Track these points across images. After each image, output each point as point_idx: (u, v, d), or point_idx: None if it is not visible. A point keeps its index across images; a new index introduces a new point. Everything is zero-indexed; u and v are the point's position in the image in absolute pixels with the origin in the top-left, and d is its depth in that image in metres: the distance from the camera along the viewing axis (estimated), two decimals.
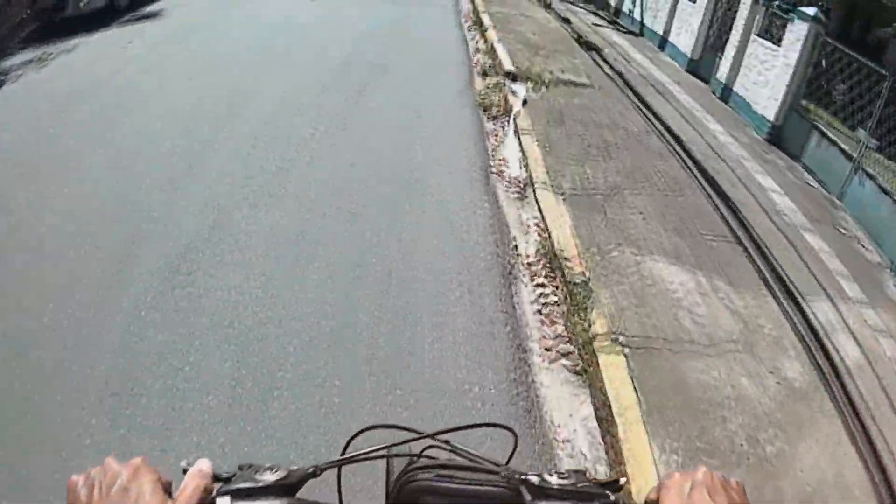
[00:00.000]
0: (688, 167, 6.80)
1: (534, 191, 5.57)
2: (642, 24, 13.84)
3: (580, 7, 15.54)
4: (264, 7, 11.87)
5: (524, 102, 7.69)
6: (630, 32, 13.69)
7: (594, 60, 10.41)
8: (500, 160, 6.22)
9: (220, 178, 5.34)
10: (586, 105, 8.05)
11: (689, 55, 11.66)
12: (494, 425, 1.05)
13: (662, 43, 12.86)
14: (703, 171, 6.83)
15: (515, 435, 1.06)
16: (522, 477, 0.86)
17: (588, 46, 11.18)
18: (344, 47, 9.59)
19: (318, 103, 7.27)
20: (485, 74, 8.92)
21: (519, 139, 6.57)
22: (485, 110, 7.51)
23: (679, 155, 7.05)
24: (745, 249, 5.52)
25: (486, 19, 11.75)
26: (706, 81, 11.06)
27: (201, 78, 7.64)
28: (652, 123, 7.90)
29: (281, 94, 7.42)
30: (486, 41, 10.61)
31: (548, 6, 14.03)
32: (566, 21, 12.91)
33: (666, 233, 5.43)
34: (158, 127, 6.15)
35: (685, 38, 11.95)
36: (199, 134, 6.08)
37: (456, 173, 5.93)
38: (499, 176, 5.93)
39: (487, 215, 5.19)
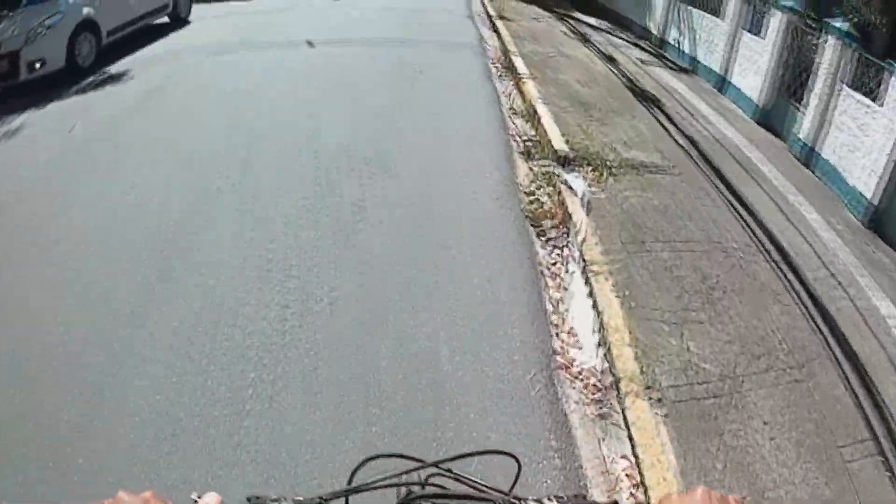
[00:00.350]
0: (809, 314, 5.10)
1: (621, 402, 3.85)
2: (694, 58, 12.01)
3: (618, 37, 13.63)
4: (251, 56, 10.20)
5: (587, 207, 5.90)
6: (682, 70, 11.88)
7: (657, 119, 8.64)
8: (566, 336, 4.37)
9: (137, 430, 3.50)
10: (667, 206, 6.26)
11: (756, 102, 9.86)
12: (497, 452, 1.02)
13: (721, 83, 11.02)
14: (825, 315, 5.19)
15: (518, 461, 1.04)
16: (521, 502, 0.89)
17: (644, 96, 9.41)
18: (336, 128, 7.45)
19: (289, 258, 5.05)
20: (528, 155, 7.09)
21: (589, 286, 4.80)
22: (534, 224, 5.71)
23: (795, 290, 5.34)
24: (888, 466, 3.93)
25: (519, 64, 9.88)
26: (779, 135, 9.31)
27: (138, 193, 6.01)
28: (750, 229, 6.16)
29: (237, 241, 5.27)
30: (523, 98, 8.81)
31: (586, 40, 12.20)
32: (611, 59, 11.11)
33: (800, 460, 3.75)
34: (63, 314, 4.40)
35: (751, 79, 10.15)
36: (113, 336, 4.17)
37: (507, 388, 3.91)
38: (566, 371, 4.07)
39: (558, 480, 3.29)
